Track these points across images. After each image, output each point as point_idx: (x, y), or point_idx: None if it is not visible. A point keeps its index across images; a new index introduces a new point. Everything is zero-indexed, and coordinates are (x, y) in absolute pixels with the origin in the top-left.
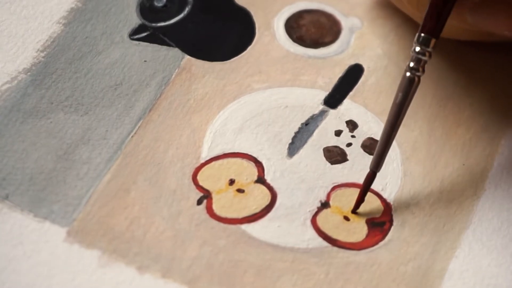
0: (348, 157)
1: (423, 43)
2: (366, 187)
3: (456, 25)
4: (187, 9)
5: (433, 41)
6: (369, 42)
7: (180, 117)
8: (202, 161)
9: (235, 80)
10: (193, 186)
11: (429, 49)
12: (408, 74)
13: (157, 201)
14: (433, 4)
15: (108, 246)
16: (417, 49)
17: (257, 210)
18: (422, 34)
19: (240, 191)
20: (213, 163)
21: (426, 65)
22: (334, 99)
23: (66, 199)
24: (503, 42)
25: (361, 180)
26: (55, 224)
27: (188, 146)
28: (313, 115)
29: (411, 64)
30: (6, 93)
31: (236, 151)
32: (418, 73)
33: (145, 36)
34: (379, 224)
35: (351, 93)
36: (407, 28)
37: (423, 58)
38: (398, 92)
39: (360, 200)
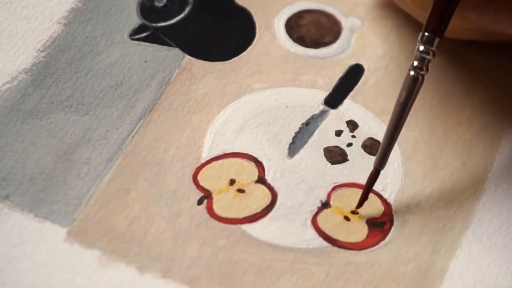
0: (349, 157)
1: (427, 42)
2: (370, 185)
3: (459, 24)
4: (187, 9)
5: (437, 40)
6: (369, 42)
7: (180, 117)
8: (203, 161)
9: (236, 80)
10: (193, 186)
11: (433, 48)
12: (412, 73)
13: (158, 201)
14: (437, 4)
15: (108, 246)
16: (421, 48)
17: (258, 210)
18: (426, 33)
19: (240, 191)
20: (213, 163)
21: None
22: (334, 99)
23: (66, 199)
24: (505, 42)
25: (361, 180)
26: (56, 224)
27: (188, 146)
28: (314, 115)
29: (415, 63)
30: (6, 93)
31: (236, 151)
32: (422, 72)
33: (146, 36)
34: (380, 224)
35: (351, 93)
36: (408, 28)
37: (427, 57)
38: (402, 91)
39: (364, 198)
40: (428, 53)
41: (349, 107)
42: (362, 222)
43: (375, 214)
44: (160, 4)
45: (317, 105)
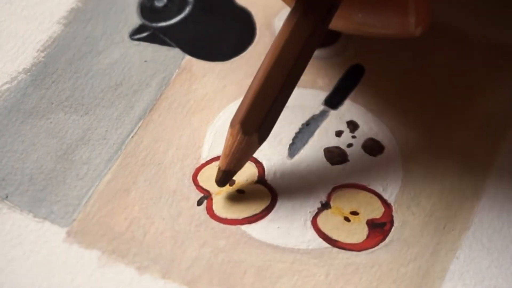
0: (349, 158)
1: None
2: None
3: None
4: (187, 9)
5: None
6: (369, 42)
7: (180, 118)
8: (203, 161)
9: (236, 80)
10: (193, 187)
11: None
12: None
13: (157, 201)
14: None
15: (107, 247)
16: None
17: (257, 211)
18: None
19: (240, 192)
20: (213, 163)
21: (426, 65)
22: (334, 100)
23: (65, 199)
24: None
25: (362, 181)
26: (55, 224)
27: (188, 147)
28: (314, 115)
29: None
30: (6, 93)
31: None
32: None
33: (146, 36)
34: (380, 225)
35: (351, 94)
36: None
37: None
38: None
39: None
40: None
41: (349, 108)
42: (362, 223)
43: (375, 215)
44: (160, 4)
45: (318, 106)
